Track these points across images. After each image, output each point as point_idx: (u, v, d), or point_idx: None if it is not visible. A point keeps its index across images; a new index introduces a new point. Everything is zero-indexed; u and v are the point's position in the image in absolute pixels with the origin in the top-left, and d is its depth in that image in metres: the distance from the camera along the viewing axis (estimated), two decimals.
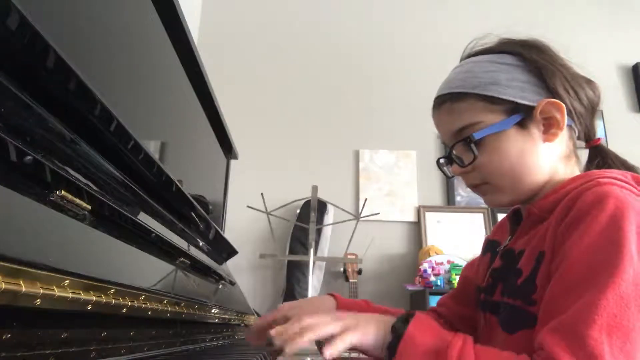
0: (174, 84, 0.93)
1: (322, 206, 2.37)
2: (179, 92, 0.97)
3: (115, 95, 0.61)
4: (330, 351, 0.51)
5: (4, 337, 0.31)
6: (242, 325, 1.19)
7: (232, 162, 1.58)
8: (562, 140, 0.65)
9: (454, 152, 0.66)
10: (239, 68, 2.76)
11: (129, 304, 0.45)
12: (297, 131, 2.66)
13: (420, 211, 2.50)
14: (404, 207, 2.53)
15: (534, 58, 0.64)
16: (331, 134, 2.66)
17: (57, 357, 0.36)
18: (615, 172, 0.59)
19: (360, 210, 2.18)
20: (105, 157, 0.53)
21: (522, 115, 0.63)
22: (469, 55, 0.71)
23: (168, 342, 0.63)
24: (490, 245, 0.80)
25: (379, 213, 2.33)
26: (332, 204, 2.29)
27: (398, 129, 2.67)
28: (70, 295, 0.35)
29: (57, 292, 0.33)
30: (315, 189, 2.10)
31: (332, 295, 0.83)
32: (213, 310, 0.85)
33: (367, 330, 0.53)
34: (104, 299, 0.40)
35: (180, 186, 0.76)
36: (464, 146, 0.65)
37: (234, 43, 2.82)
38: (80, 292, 0.36)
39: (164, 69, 0.87)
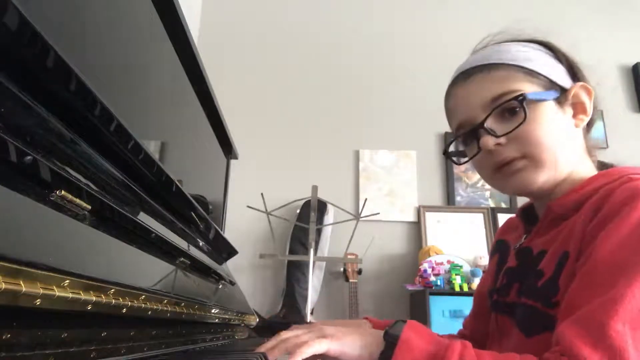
0: (174, 84, 0.93)
1: (322, 206, 2.37)
2: (179, 92, 0.97)
3: (115, 95, 0.61)
4: (295, 357, 0.49)
5: (4, 337, 0.31)
6: (242, 325, 1.19)
7: (232, 162, 1.58)
8: (582, 134, 0.66)
9: (486, 123, 0.62)
10: (239, 68, 2.76)
11: (129, 304, 0.45)
12: (297, 131, 2.66)
13: (420, 211, 2.51)
14: (404, 207, 2.53)
15: (561, 50, 0.66)
16: (331, 134, 2.66)
17: (57, 357, 0.36)
18: None
19: (360, 210, 2.18)
20: (105, 157, 0.53)
21: (557, 93, 0.63)
22: (484, 47, 0.70)
23: (168, 342, 0.63)
24: (498, 246, 0.79)
25: (379, 213, 2.33)
26: (332, 204, 2.29)
27: (398, 129, 2.67)
28: (70, 295, 0.35)
29: (57, 292, 0.33)
30: (315, 189, 2.10)
31: (366, 318, 0.83)
32: (213, 310, 0.85)
33: (347, 340, 0.52)
34: (104, 299, 0.40)
35: (180, 186, 0.76)
36: (502, 113, 0.62)
37: (234, 43, 2.82)
38: (80, 292, 0.36)
39: (164, 69, 0.87)
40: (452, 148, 0.73)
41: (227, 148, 1.48)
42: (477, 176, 2.62)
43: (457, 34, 2.82)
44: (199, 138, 1.16)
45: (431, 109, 2.68)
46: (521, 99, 0.59)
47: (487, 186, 2.60)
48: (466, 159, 0.69)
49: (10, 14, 0.35)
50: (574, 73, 0.66)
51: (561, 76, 0.64)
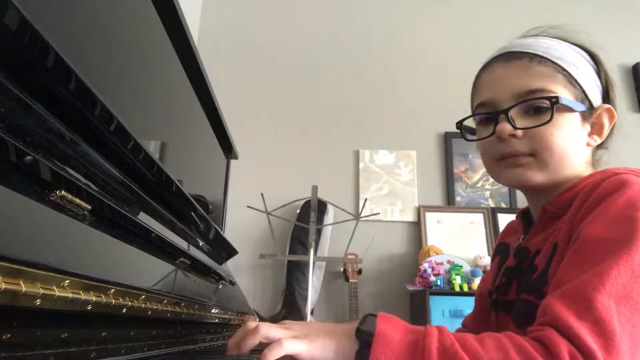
0: (174, 84, 0.93)
1: (322, 206, 2.37)
2: (179, 92, 0.97)
3: (115, 95, 0.61)
4: (266, 358, 0.45)
5: (4, 337, 0.31)
6: (242, 325, 1.19)
7: (232, 162, 1.58)
8: (590, 150, 0.67)
9: (510, 112, 0.62)
10: (239, 68, 2.76)
11: (129, 304, 0.45)
12: (297, 131, 2.66)
13: (420, 211, 2.51)
14: (404, 207, 2.53)
15: (605, 67, 0.67)
16: (331, 134, 2.66)
17: (57, 357, 0.36)
18: (629, 168, 0.59)
19: (360, 210, 2.18)
20: (105, 157, 0.53)
21: (586, 108, 0.64)
22: (535, 36, 0.69)
23: (168, 342, 0.63)
24: (499, 249, 0.80)
25: (379, 213, 2.33)
26: (332, 204, 2.29)
27: (398, 129, 2.67)
28: (70, 295, 0.35)
29: (57, 292, 0.33)
30: (315, 189, 2.10)
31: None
32: (213, 310, 0.85)
33: (319, 343, 0.48)
34: (104, 299, 0.40)
35: (180, 186, 0.76)
36: (527, 108, 0.62)
37: (234, 43, 2.82)
38: (80, 292, 0.37)
39: (164, 69, 0.87)
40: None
41: (227, 148, 1.48)
42: (477, 176, 2.62)
43: (457, 34, 2.82)
44: (199, 138, 1.16)
45: (431, 109, 2.70)
46: (554, 101, 0.60)
47: (487, 186, 2.60)
48: (475, 137, 0.69)
49: (10, 14, 0.35)
50: (607, 93, 0.67)
51: (595, 93, 0.65)
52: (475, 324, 0.83)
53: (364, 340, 0.47)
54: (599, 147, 0.68)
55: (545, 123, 0.60)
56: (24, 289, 0.30)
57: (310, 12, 2.91)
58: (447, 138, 2.62)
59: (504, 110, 0.63)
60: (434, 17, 2.90)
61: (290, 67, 2.79)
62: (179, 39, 0.89)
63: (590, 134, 0.65)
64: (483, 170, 2.61)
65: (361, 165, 2.61)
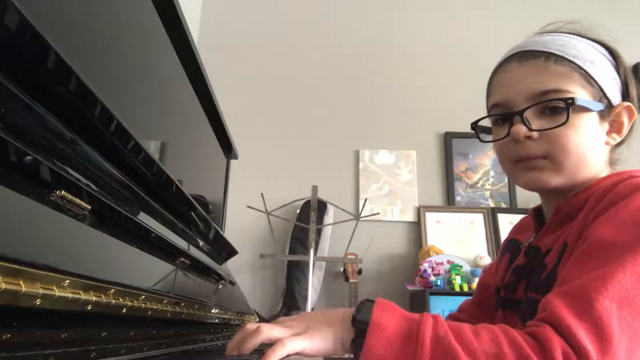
0: (174, 84, 0.93)
1: (322, 206, 2.37)
2: (179, 92, 0.97)
3: (115, 95, 0.61)
4: (269, 358, 0.46)
5: (4, 337, 0.30)
6: (242, 325, 1.19)
7: (232, 162, 1.58)
8: (609, 148, 0.66)
9: (526, 113, 0.61)
10: (239, 68, 2.76)
11: (129, 304, 0.45)
12: (297, 131, 2.66)
13: (420, 211, 2.50)
14: (404, 207, 2.53)
15: (624, 63, 0.66)
16: (331, 134, 2.66)
17: (57, 357, 0.36)
18: None
19: (360, 210, 2.18)
20: (105, 157, 0.53)
21: (604, 107, 0.62)
22: (552, 32, 0.69)
23: (168, 342, 0.63)
24: (509, 246, 0.79)
25: (379, 213, 2.33)
26: (332, 204, 2.29)
27: (398, 129, 2.67)
28: (70, 295, 0.35)
29: (57, 292, 0.33)
30: (315, 189, 2.10)
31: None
32: (213, 310, 0.85)
33: (318, 336, 0.49)
34: (104, 299, 0.40)
35: (180, 186, 0.76)
36: (543, 109, 0.61)
37: (234, 43, 2.82)
38: (80, 292, 0.36)
39: (164, 69, 0.87)
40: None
41: (227, 148, 1.48)
42: (477, 176, 2.62)
43: (457, 34, 2.82)
44: (199, 138, 1.16)
45: (431, 109, 2.69)
46: (570, 102, 0.59)
47: (487, 186, 2.60)
48: (490, 138, 0.68)
49: (10, 14, 0.35)
50: (627, 89, 0.65)
51: (614, 91, 0.64)
52: (475, 312, 0.83)
53: (360, 328, 0.47)
54: (618, 145, 0.67)
55: (561, 124, 0.59)
56: (24, 289, 0.30)
57: (311, 12, 2.91)
58: (447, 138, 2.62)
59: (519, 112, 0.61)
60: (434, 17, 2.90)
61: (290, 66, 2.79)
62: (179, 38, 0.89)
63: (609, 133, 0.64)
64: (483, 170, 2.62)
65: (361, 165, 2.61)
